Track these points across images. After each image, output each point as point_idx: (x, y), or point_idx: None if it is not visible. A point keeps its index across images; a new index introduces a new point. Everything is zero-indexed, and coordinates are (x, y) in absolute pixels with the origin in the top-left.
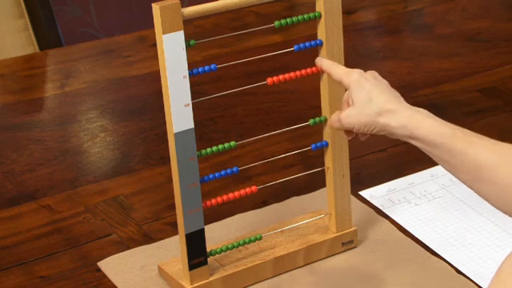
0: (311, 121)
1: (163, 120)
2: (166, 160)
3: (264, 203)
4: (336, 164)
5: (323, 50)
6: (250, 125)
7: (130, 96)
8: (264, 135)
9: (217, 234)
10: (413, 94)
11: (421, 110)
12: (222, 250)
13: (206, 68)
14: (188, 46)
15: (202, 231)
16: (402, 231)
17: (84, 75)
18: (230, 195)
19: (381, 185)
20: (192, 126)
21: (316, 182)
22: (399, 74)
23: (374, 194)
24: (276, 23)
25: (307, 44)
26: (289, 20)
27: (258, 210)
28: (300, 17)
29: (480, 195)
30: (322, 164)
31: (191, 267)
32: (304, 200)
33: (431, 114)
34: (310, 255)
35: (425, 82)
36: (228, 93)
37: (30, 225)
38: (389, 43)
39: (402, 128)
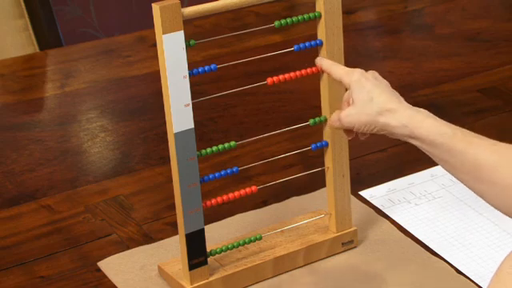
0: (311, 121)
1: (163, 120)
2: (166, 160)
3: (264, 203)
4: (336, 164)
5: (323, 50)
6: (250, 125)
7: (129, 96)
8: (264, 135)
9: (217, 234)
10: (413, 93)
11: (421, 110)
12: (222, 250)
13: (206, 68)
14: (188, 46)
15: (202, 231)
16: (402, 231)
17: (84, 75)
18: (230, 195)
19: (381, 185)
20: (192, 126)
21: (316, 182)
22: (399, 74)
23: (374, 193)
24: (276, 23)
25: (307, 44)
26: (289, 20)
27: (257, 210)
28: (300, 17)
29: (479, 195)
30: (322, 164)
31: (191, 267)
32: (304, 200)
33: (431, 114)
34: (310, 255)
35: (425, 81)
36: (228, 93)
37: (30, 225)
38: (389, 43)
39: (402, 127)
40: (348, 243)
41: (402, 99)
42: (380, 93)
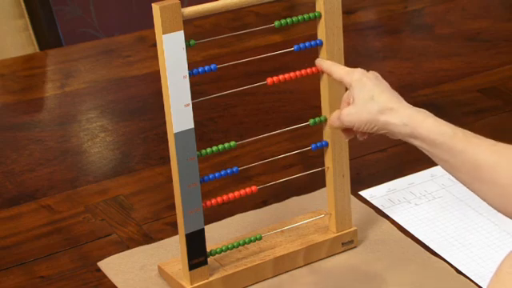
0: (311, 121)
1: (163, 120)
2: (166, 160)
3: (264, 203)
4: (336, 164)
5: (323, 50)
6: (250, 125)
7: (129, 96)
8: (264, 135)
9: (217, 234)
10: (413, 93)
11: (421, 110)
12: (222, 250)
13: (206, 68)
14: (188, 46)
15: (202, 231)
16: (402, 231)
17: (84, 75)
18: (230, 195)
19: (381, 185)
20: (192, 126)
21: (316, 182)
22: (399, 74)
23: (374, 193)
24: (276, 23)
25: (307, 44)
26: (289, 20)
27: (258, 210)
28: (300, 17)
29: (479, 195)
30: (322, 164)
31: (191, 267)
32: (304, 200)
33: (431, 114)
34: (310, 255)
35: (425, 81)
36: (228, 93)
37: (30, 225)
38: (389, 43)
39: (402, 126)
40: (348, 243)
41: (402, 99)
42: (381, 92)
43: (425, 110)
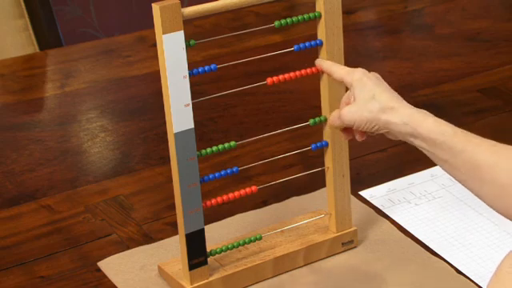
0: (311, 121)
1: (163, 120)
2: (166, 160)
3: (264, 203)
4: (336, 164)
5: (323, 50)
6: (250, 125)
7: (129, 96)
8: (264, 135)
9: (217, 234)
10: (413, 93)
11: (422, 110)
12: (222, 250)
13: (206, 68)
14: (188, 46)
15: (202, 231)
16: (402, 231)
17: (84, 75)
18: (230, 195)
19: (381, 185)
20: (192, 126)
21: (316, 182)
22: (399, 74)
23: (374, 193)
24: (276, 23)
25: (307, 44)
26: (289, 20)
27: (257, 210)
28: (300, 17)
29: (478, 196)
30: (322, 164)
31: (191, 267)
32: (304, 200)
33: (432, 115)
34: (310, 255)
35: (425, 81)
36: (228, 93)
37: (30, 225)
38: (389, 43)
39: (403, 125)
40: (348, 243)
41: (402, 99)
42: (382, 91)
43: (425, 111)
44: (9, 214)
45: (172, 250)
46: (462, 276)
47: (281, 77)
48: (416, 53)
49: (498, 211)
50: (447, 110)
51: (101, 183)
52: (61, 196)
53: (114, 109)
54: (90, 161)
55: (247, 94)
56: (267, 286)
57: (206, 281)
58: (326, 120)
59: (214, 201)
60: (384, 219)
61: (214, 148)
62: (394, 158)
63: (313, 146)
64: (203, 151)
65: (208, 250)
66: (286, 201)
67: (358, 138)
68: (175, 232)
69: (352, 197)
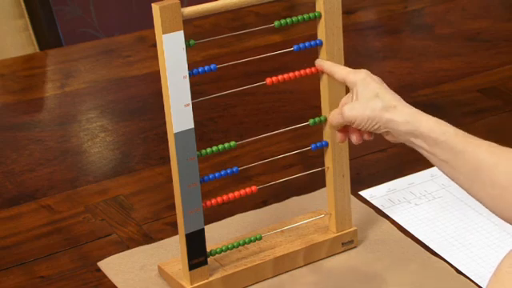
0: (311, 121)
1: (163, 120)
2: (166, 160)
3: (264, 203)
4: (336, 164)
5: (323, 50)
6: (249, 125)
7: (130, 96)
8: (264, 135)
9: (217, 234)
10: (413, 93)
11: (423, 112)
12: (222, 250)
13: (206, 68)
14: (188, 46)
15: (202, 231)
16: (402, 231)
17: (84, 75)
18: (230, 195)
19: (381, 185)
20: (192, 126)
21: (316, 182)
22: (399, 74)
23: (374, 193)
24: (276, 23)
25: (307, 44)
26: (289, 20)
27: (258, 210)
28: (300, 17)
29: (476, 197)
30: (322, 164)
31: (191, 267)
32: (304, 200)
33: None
34: (310, 255)
35: (425, 81)
36: (228, 93)
37: (30, 225)
38: (389, 43)
39: (405, 123)
40: (348, 243)
41: (404, 101)
42: (385, 91)
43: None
44: (9, 214)
45: (172, 250)
46: (462, 276)
47: (280, 77)
48: (416, 53)
49: (495, 213)
50: (447, 109)
51: (101, 183)
52: (61, 196)
53: (113, 109)
54: (90, 161)
55: (247, 94)
56: (267, 286)
57: (206, 281)
58: (326, 120)
59: (214, 201)
60: (384, 219)
61: (214, 148)
62: (393, 157)
63: (313, 146)
64: (203, 151)
65: (208, 250)
66: (286, 201)
67: (355, 140)
68: (175, 232)
69: (352, 197)
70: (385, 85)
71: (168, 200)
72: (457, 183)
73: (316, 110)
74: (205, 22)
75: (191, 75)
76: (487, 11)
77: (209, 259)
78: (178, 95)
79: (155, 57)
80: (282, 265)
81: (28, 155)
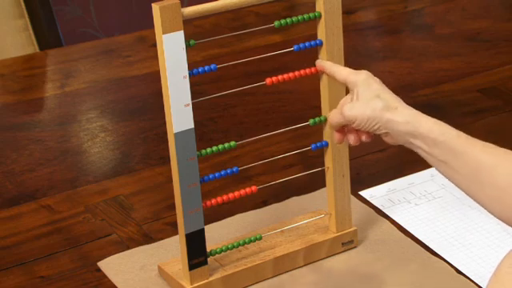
0: (311, 121)
1: (163, 120)
2: (166, 160)
3: (264, 203)
4: (336, 164)
5: (323, 50)
6: (250, 125)
7: (129, 96)
8: (264, 135)
9: (217, 234)
10: (413, 93)
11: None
12: (222, 250)
13: (206, 68)
14: (188, 46)
15: (202, 231)
16: (402, 231)
17: (84, 75)
18: (230, 195)
19: (381, 185)
20: (192, 126)
21: (316, 182)
22: (399, 74)
23: (374, 193)
24: (276, 23)
25: (307, 44)
26: (289, 20)
27: (257, 210)
28: (300, 17)
29: (476, 198)
30: (322, 164)
31: (191, 267)
32: (304, 200)
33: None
34: (310, 255)
35: (425, 81)
36: (228, 93)
37: (30, 225)
38: (389, 43)
39: (405, 124)
40: (348, 243)
41: (403, 102)
42: (386, 92)
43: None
44: (9, 214)
45: (172, 250)
46: (462, 276)
47: (280, 77)
48: (416, 53)
49: (494, 214)
50: (447, 109)
51: (101, 183)
52: (61, 196)
53: (113, 109)
54: (90, 161)
55: (247, 94)
56: (267, 285)
57: (206, 281)
58: (326, 120)
59: (214, 201)
60: (384, 219)
61: (214, 148)
62: (394, 157)
63: (313, 145)
64: (203, 151)
65: (208, 250)
66: (286, 201)
67: (352, 141)
68: (175, 232)
69: (352, 197)
70: (385, 86)
71: (168, 200)
72: (455, 184)
73: (316, 110)
74: (205, 22)
75: (191, 75)
76: (487, 11)
77: (209, 259)
78: (178, 95)
79: (155, 57)
80: (282, 265)
81: (28, 155)
